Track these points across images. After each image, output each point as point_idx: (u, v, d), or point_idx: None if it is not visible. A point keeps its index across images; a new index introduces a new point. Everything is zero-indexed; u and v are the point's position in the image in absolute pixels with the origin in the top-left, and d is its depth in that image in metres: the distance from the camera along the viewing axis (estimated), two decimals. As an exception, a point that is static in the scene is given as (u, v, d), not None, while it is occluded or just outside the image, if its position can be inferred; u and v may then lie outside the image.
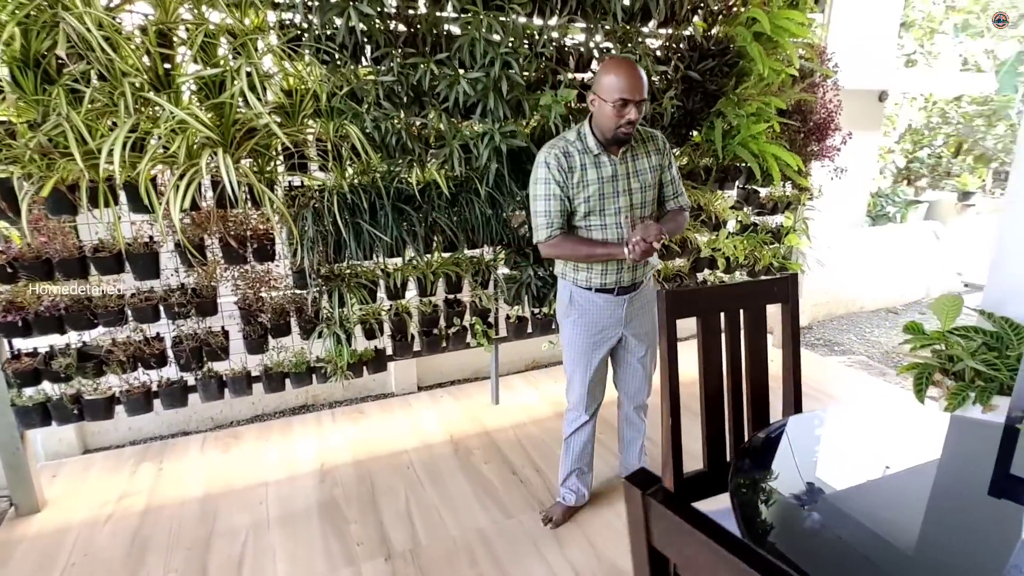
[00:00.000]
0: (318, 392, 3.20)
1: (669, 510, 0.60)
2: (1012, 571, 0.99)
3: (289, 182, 2.40)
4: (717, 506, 1.51)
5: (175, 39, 2.07)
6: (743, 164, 3.16)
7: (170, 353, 2.35)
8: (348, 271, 2.50)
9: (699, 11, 2.82)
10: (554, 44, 2.53)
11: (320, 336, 2.47)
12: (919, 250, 5.45)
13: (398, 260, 2.62)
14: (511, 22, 2.32)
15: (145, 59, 1.98)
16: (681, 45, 2.79)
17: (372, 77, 2.26)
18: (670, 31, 2.80)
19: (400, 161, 2.33)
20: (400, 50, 2.25)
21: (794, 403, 1.57)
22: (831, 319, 4.86)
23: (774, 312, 1.59)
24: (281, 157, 2.26)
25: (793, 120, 3.14)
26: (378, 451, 2.73)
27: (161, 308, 2.27)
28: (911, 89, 7.13)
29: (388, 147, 2.28)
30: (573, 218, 1.96)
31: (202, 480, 2.50)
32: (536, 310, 2.94)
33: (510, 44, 2.28)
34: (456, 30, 2.38)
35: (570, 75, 2.63)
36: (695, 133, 3.03)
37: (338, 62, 2.23)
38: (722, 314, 1.43)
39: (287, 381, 2.53)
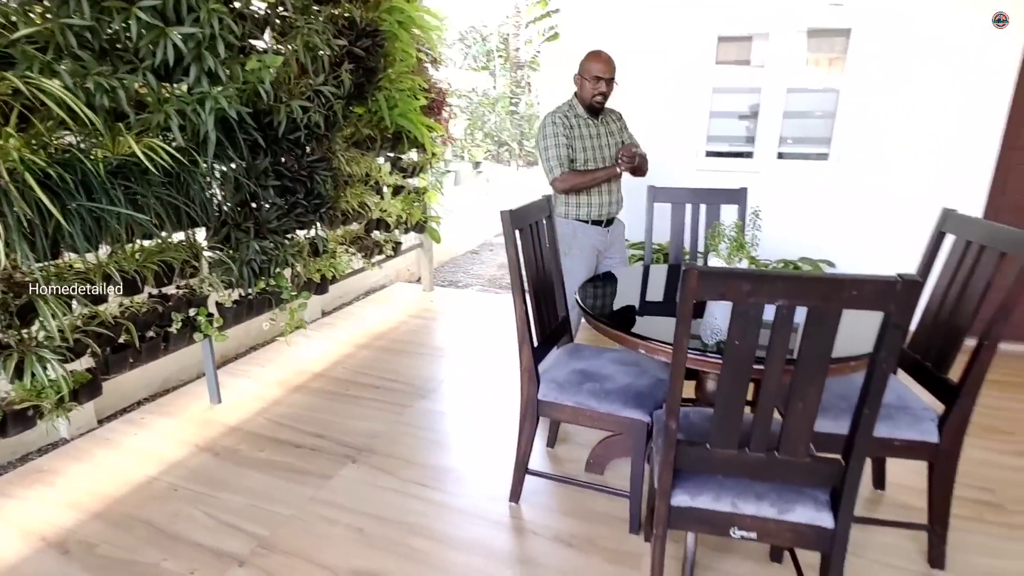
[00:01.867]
0: (-57, 474, 2.19)
1: (715, 272, 1.15)
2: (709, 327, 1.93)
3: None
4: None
5: None
6: (391, 133, 3.68)
7: None
8: (34, 274, 1.89)
9: (351, -6, 3.12)
10: (250, 7, 2.44)
11: (16, 369, 1.82)
12: (480, 205, 7.17)
13: (90, 256, 2.10)
14: (214, -23, 2.16)
15: None
16: (342, 24, 3.06)
17: (44, 21, 1.76)
18: (331, 10, 3.02)
19: (116, 128, 1.91)
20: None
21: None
22: (440, 265, 5.97)
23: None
24: None
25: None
26: (117, 494, 2.18)
27: None
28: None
29: (96, 111, 1.84)
30: (574, 164, 2.77)
31: None
32: (251, 291, 2.80)
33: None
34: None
35: (255, 41, 2.58)
36: (358, 105, 3.36)
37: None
38: (530, 227, 1.98)
39: (-36, 446, 1.77)
